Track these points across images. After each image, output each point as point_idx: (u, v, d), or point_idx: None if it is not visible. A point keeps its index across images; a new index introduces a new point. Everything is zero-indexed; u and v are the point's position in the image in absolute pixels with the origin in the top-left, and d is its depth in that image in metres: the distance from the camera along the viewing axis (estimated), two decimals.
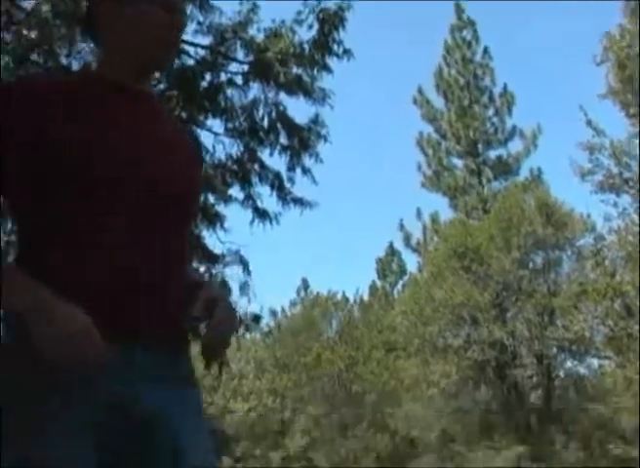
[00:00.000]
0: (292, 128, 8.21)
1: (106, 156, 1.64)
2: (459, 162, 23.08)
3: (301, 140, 8.15)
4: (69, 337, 1.47)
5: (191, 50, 8.18)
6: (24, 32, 7.70)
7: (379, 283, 27.83)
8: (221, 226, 8.03)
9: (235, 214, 8.72)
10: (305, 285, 28.53)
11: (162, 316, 1.67)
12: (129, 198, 1.64)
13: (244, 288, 8.47)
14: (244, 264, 8.44)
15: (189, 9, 7.96)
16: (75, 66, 8.04)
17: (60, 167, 1.61)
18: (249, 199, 8.34)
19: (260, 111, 8.11)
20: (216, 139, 8.21)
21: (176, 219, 1.72)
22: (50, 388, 1.53)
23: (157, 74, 8.31)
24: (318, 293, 26.59)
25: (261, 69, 7.87)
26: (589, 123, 15.60)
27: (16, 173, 1.62)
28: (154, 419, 1.63)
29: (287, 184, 8.35)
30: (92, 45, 8.22)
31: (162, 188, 1.69)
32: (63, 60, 7.96)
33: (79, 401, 1.54)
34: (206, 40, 8.15)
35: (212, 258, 8.11)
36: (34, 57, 7.85)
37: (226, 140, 8.22)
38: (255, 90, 8.18)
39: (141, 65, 1.78)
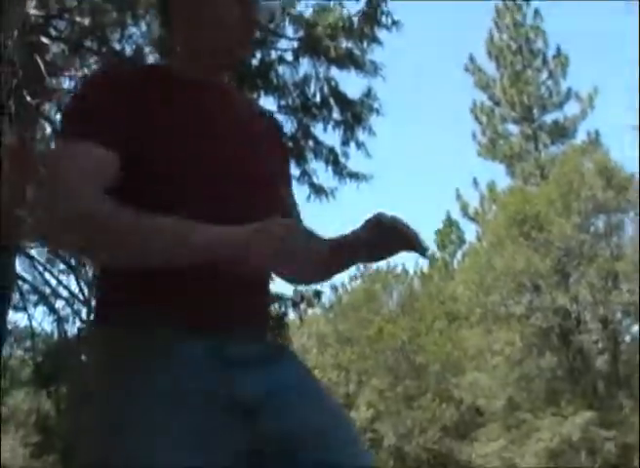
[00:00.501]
0: (344, 102, 8.20)
1: (195, 155, 1.62)
2: (514, 128, 22.80)
3: (354, 115, 8.14)
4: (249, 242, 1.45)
5: None
6: (77, 19, 7.80)
7: (438, 254, 27.72)
8: None
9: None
10: None
11: (253, 307, 1.67)
12: (221, 191, 1.63)
13: None
14: None
15: None
16: (128, 51, 8.13)
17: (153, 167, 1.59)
18: (304, 175, 8.37)
19: (312, 87, 8.11)
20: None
21: (263, 208, 1.67)
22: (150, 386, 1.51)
23: None
24: (378, 268, 26.57)
25: (311, 45, 7.87)
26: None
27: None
28: (272, 405, 1.58)
29: (341, 159, 8.35)
30: (143, 29, 8.32)
31: (249, 180, 1.68)
32: (116, 46, 8.06)
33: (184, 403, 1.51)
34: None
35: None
36: (88, 43, 7.95)
37: (280, 117, 8.26)
38: (305, 66, 8.19)
39: (222, 63, 1.76)
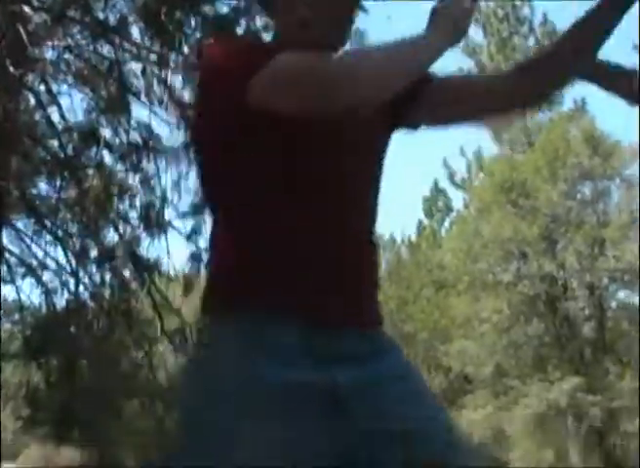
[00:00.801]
0: None
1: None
2: None
3: None
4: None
5: None
6: None
7: (425, 221, 27.76)
8: None
9: None
10: None
11: (364, 298, 1.67)
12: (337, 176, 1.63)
13: None
14: None
15: None
16: (112, 20, 8.04)
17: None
18: None
19: None
20: None
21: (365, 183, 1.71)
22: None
23: (193, 22, 8.29)
24: None
25: None
26: (635, 46, 15.20)
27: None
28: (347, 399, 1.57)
29: None
30: None
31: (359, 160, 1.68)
32: (100, 15, 7.97)
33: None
34: None
35: None
36: (71, 13, 7.85)
37: None
38: None
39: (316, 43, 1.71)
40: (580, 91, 22.36)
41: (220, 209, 1.67)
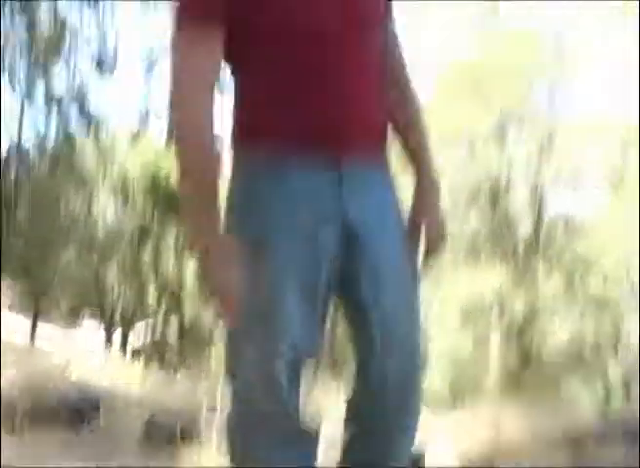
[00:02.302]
0: None
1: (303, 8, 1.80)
2: None
3: None
4: (214, 290, 1.76)
5: None
6: None
7: None
8: None
9: None
10: None
11: (369, 128, 1.90)
12: (330, 30, 1.82)
13: None
14: None
15: None
16: None
17: (266, 19, 1.80)
18: None
19: None
20: None
21: (367, 42, 1.88)
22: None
23: None
24: None
25: None
26: None
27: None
28: (360, 236, 1.86)
29: None
30: None
31: (350, 16, 1.84)
32: None
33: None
34: None
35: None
36: None
37: None
38: None
39: None
40: None
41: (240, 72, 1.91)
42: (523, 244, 19.56)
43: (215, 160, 1.79)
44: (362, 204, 1.85)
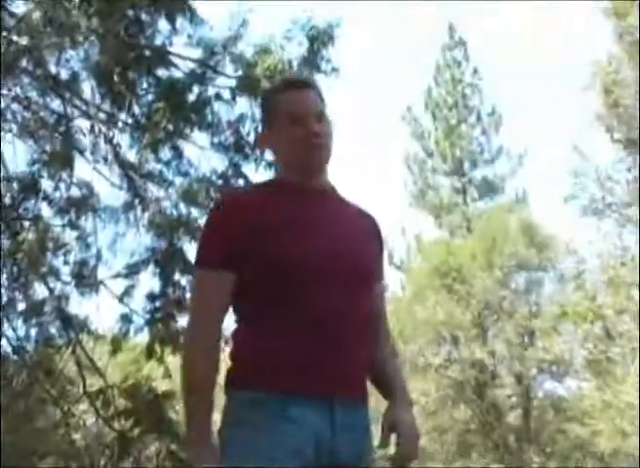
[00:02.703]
0: None
1: (304, 254, 2.10)
2: (444, 181, 23.17)
3: None
4: None
5: (180, 63, 8.20)
6: (14, 38, 7.70)
7: None
8: None
9: None
10: None
11: (354, 378, 2.16)
12: (323, 279, 2.10)
13: None
14: None
15: (179, 22, 7.98)
16: (64, 75, 8.04)
17: (267, 267, 2.11)
18: None
19: (247, 127, 8.11)
20: (201, 153, 8.22)
21: (358, 295, 2.17)
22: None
23: (145, 84, 8.33)
24: None
25: (250, 85, 7.89)
26: (575, 148, 15.73)
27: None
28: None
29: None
30: (81, 54, 8.25)
31: (337, 275, 2.12)
32: (52, 69, 7.98)
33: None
34: (195, 53, 8.17)
35: (193, 271, 8.10)
36: (23, 63, 7.85)
37: (212, 155, 8.22)
38: (242, 105, 8.20)
39: (301, 170, 2.24)
40: (520, 181, 22.94)
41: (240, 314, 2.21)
42: (514, 433, 19.28)
43: (214, 379, 2.11)
44: (348, 438, 2.09)
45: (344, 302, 2.11)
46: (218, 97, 8.17)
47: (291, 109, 2.23)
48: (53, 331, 8.06)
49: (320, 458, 2.03)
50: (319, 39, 8.03)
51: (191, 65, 8.21)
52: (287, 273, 2.09)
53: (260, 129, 2.48)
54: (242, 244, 2.11)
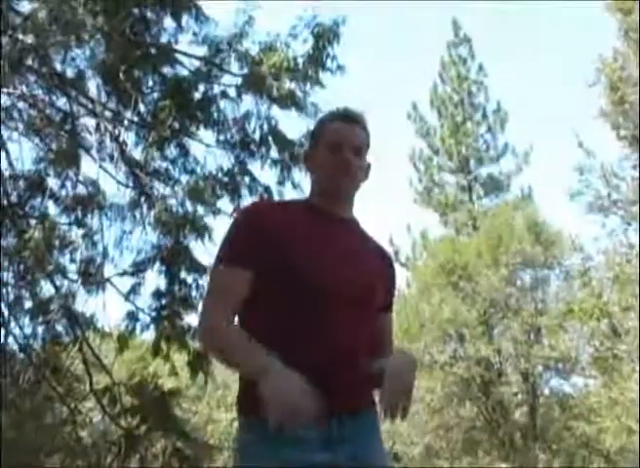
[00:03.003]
0: (283, 142, 8.20)
1: (317, 270, 2.26)
2: (450, 178, 23.15)
3: (292, 155, 8.16)
4: (284, 394, 2.00)
5: (186, 60, 8.21)
6: (20, 37, 7.71)
7: None
8: (210, 238, 8.02)
9: (224, 227, 8.67)
10: None
11: (360, 390, 2.28)
12: (334, 299, 2.24)
13: None
14: None
15: (184, 20, 7.99)
16: (70, 73, 8.06)
17: (283, 280, 2.25)
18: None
19: (252, 124, 8.12)
20: (207, 151, 8.23)
21: (362, 317, 2.30)
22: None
23: (151, 82, 8.33)
24: None
25: (255, 83, 7.90)
26: (580, 144, 15.70)
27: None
28: None
29: (276, 198, 8.35)
30: (87, 52, 8.26)
31: (352, 294, 2.27)
32: (58, 67, 7.99)
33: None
34: (201, 51, 8.19)
35: (199, 269, 8.11)
36: (29, 62, 7.86)
37: (217, 152, 8.22)
38: (247, 103, 8.21)
39: (328, 193, 2.43)
40: (526, 178, 22.91)
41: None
42: (520, 430, 19.27)
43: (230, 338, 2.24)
44: (357, 445, 2.21)
45: (357, 325, 2.26)
46: (223, 94, 8.18)
47: (333, 138, 2.44)
48: (59, 328, 8.07)
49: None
50: (324, 36, 8.02)
51: (197, 63, 8.22)
52: (301, 289, 2.24)
53: (305, 153, 2.64)
54: (264, 250, 2.26)
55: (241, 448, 2.28)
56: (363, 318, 2.31)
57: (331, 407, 2.12)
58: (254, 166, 8.29)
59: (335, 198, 2.45)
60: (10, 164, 7.95)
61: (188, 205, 8.05)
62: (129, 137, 8.13)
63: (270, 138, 8.15)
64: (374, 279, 2.41)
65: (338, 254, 2.34)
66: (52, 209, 7.93)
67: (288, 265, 2.25)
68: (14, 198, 7.95)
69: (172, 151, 8.16)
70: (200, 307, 2.36)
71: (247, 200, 8.33)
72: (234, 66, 8.19)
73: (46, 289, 7.93)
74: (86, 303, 7.90)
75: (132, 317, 8.03)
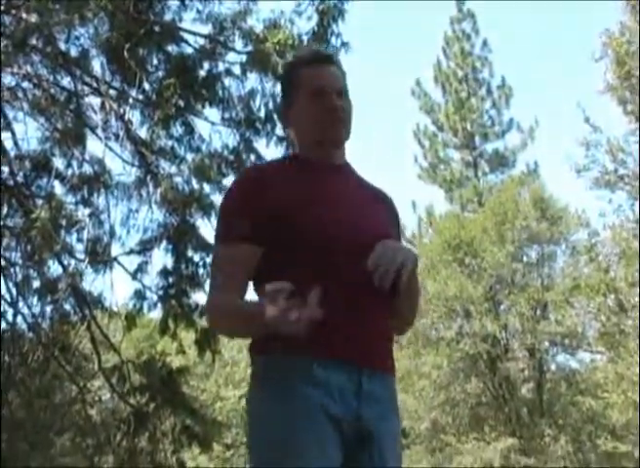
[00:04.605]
0: None
1: (315, 223, 2.12)
2: (455, 154, 23.12)
3: None
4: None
5: (190, 38, 8.17)
6: (23, 16, 7.69)
7: None
8: (216, 216, 8.02)
9: None
10: None
11: (382, 350, 2.17)
12: (336, 255, 2.09)
13: None
14: None
15: None
16: (74, 52, 8.03)
17: (281, 234, 2.11)
18: None
19: (257, 102, 8.09)
20: (212, 129, 8.21)
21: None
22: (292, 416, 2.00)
23: (155, 61, 8.30)
24: None
25: (260, 60, 7.85)
26: (587, 119, 15.65)
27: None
28: (369, 436, 2.06)
29: None
30: (90, 31, 8.22)
31: (362, 247, 2.07)
32: (62, 46, 7.96)
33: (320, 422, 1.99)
34: (205, 29, 8.14)
35: (205, 247, 8.11)
36: (33, 41, 7.84)
37: (223, 130, 8.19)
38: (252, 80, 8.17)
39: (321, 144, 2.26)
40: (532, 154, 22.87)
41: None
42: (527, 406, 19.35)
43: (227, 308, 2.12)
44: (374, 409, 2.07)
45: (371, 276, 2.07)
46: (228, 72, 8.15)
47: (315, 85, 2.26)
48: (67, 307, 8.09)
49: (347, 424, 2.02)
50: (329, 13, 7.97)
51: (201, 41, 8.18)
52: (316, 246, 2.09)
53: (280, 104, 2.48)
54: (267, 218, 2.11)
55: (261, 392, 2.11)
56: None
57: (358, 360, 2.06)
58: (259, 143, 8.27)
59: (328, 148, 2.29)
60: (15, 144, 7.95)
61: (194, 183, 8.03)
62: (134, 116, 8.11)
63: (275, 116, 8.12)
64: (387, 228, 2.27)
65: (348, 209, 2.20)
66: (58, 188, 7.93)
67: (299, 231, 2.11)
68: (20, 178, 7.95)
69: (177, 129, 8.14)
70: (209, 290, 2.22)
71: None
72: (239, 44, 8.14)
73: (53, 268, 7.95)
74: (93, 282, 7.91)
75: (139, 295, 8.04)
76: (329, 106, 2.24)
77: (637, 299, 15.73)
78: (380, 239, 2.13)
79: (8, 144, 7.91)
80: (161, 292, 8.07)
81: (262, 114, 8.11)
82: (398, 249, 2.12)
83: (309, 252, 2.09)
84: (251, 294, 2.21)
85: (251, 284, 2.21)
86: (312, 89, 2.25)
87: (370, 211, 2.25)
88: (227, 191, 2.33)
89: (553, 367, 20.09)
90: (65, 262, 7.89)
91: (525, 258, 19.73)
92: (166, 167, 8.16)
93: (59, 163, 7.91)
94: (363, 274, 2.05)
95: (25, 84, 8.00)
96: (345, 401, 2.03)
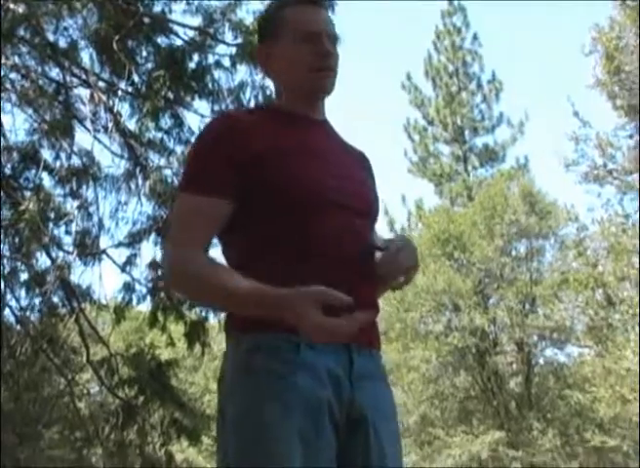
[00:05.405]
0: None
1: (296, 178, 1.90)
2: (445, 148, 23.14)
3: None
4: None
5: (180, 30, 8.14)
6: (11, 6, 7.64)
7: None
8: None
9: None
10: None
11: (372, 325, 1.97)
12: (323, 210, 1.90)
13: None
14: None
15: None
16: (62, 43, 7.99)
17: (261, 189, 1.89)
18: None
19: (247, 94, 8.07)
20: (202, 121, 8.19)
21: (362, 228, 1.98)
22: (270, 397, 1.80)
23: (145, 52, 8.27)
24: None
25: (249, 52, 7.82)
26: (576, 114, 15.67)
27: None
28: (363, 419, 1.88)
29: None
30: (79, 21, 8.18)
31: (347, 202, 1.94)
32: (50, 37, 7.92)
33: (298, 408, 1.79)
34: (195, 21, 8.11)
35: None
36: (21, 32, 7.79)
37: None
38: (242, 73, 8.14)
39: (305, 93, 2.03)
40: (522, 149, 22.91)
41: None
42: (515, 400, 19.41)
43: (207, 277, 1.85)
44: (367, 388, 1.90)
45: (358, 228, 1.94)
46: (218, 64, 8.12)
47: (306, 27, 2.01)
48: (56, 300, 8.07)
49: (339, 408, 1.84)
50: None
51: (191, 33, 8.15)
52: (299, 200, 1.88)
53: (258, 46, 2.14)
54: (243, 170, 1.88)
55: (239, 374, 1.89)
56: (365, 227, 2.00)
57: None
58: None
59: (312, 99, 2.04)
60: (3, 135, 7.90)
61: None
62: (123, 108, 8.07)
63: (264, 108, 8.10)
64: (369, 190, 2.09)
65: (334, 167, 1.99)
66: (46, 180, 7.90)
67: (280, 181, 1.88)
68: (8, 170, 7.91)
69: (166, 121, 8.11)
70: (166, 242, 2.01)
71: None
72: (228, 36, 8.11)
73: (42, 261, 7.92)
74: (82, 275, 7.89)
75: (128, 288, 8.02)
76: (321, 51, 2.00)
77: (625, 294, 15.79)
78: (366, 207, 2.02)
79: None
80: (150, 285, 8.06)
81: (252, 106, 8.09)
82: (411, 251, 2.02)
83: (292, 205, 1.88)
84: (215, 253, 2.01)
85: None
86: (304, 31, 2.00)
87: (354, 173, 2.06)
88: (199, 137, 2.04)
89: (541, 360, 20.16)
90: (54, 255, 7.86)
91: (514, 253, 19.78)
92: (155, 159, 8.14)
93: (47, 155, 7.88)
94: (351, 229, 1.92)
95: (13, 75, 7.95)
96: (336, 384, 1.84)
